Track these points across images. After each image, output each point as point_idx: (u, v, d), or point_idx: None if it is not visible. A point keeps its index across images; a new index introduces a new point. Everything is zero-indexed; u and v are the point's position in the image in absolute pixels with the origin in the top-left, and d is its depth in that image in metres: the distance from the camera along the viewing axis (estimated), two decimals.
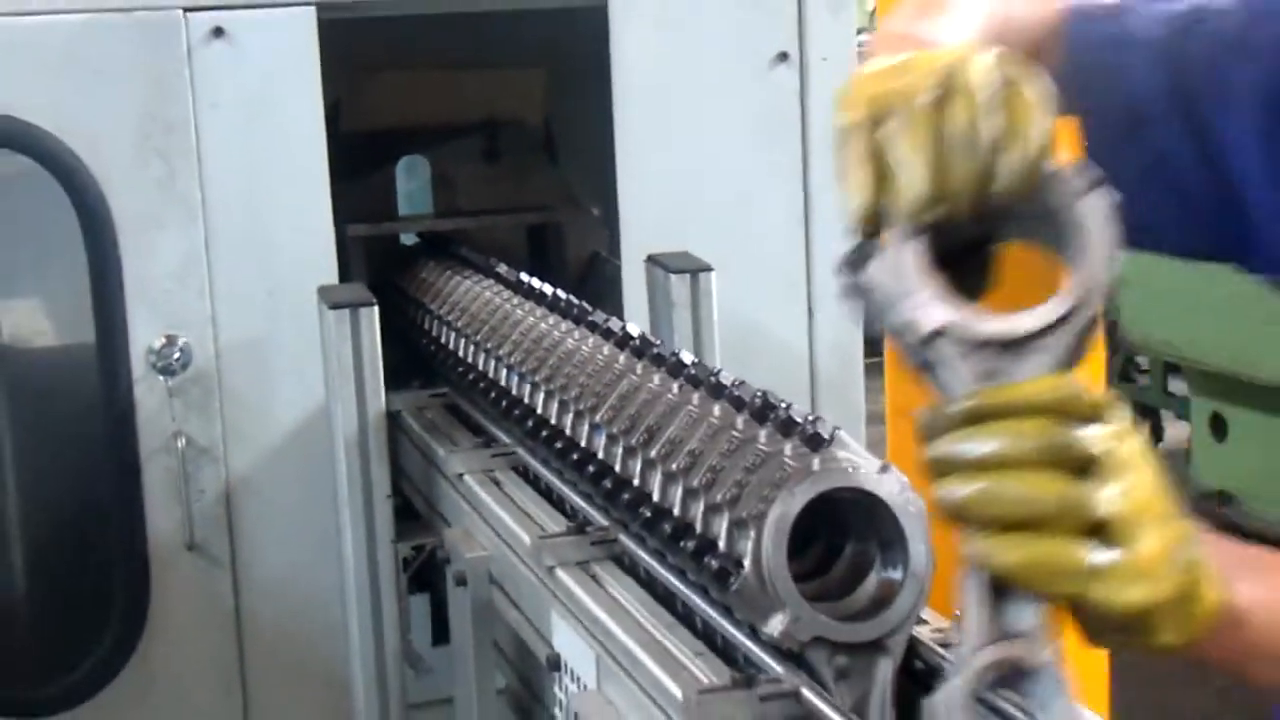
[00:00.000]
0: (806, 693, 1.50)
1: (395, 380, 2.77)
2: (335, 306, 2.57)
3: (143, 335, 2.80)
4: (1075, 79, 1.43)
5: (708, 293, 2.71)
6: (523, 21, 3.18)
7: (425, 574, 2.78)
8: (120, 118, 2.75)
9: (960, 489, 1.11)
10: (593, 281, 3.26)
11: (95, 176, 2.74)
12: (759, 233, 3.05)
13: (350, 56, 2.96)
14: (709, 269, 2.72)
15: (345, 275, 2.95)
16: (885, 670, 1.54)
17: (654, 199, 3.01)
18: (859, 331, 3.13)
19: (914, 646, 1.57)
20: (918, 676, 1.57)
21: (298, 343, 2.79)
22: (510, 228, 3.37)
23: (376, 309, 2.59)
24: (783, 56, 3.01)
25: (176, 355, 2.81)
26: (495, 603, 2.27)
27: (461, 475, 2.42)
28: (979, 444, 1.11)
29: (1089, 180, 1.15)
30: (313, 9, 2.82)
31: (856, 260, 1.18)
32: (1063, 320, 1.13)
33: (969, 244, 1.20)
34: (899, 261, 1.15)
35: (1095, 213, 1.14)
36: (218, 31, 2.78)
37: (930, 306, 1.14)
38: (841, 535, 1.60)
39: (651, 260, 2.80)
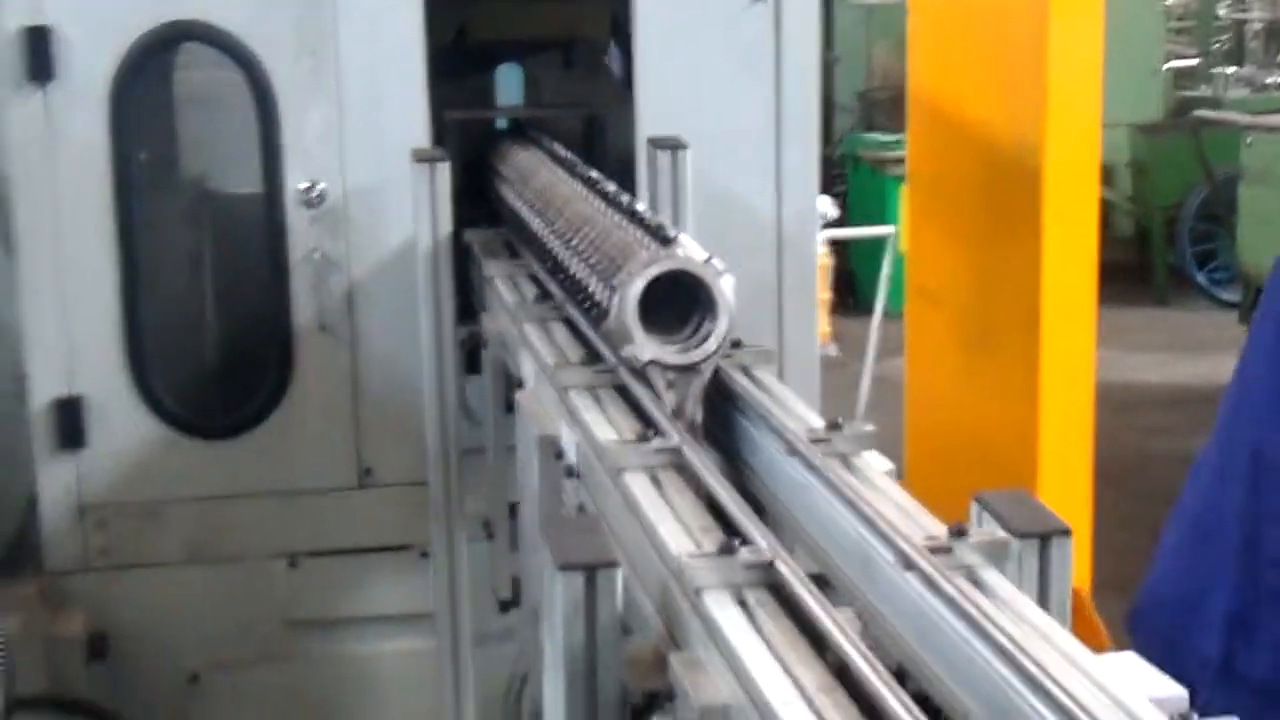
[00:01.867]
0: (622, 371, 2.55)
1: (474, 223, 3.76)
2: (420, 161, 3.51)
3: (293, 180, 3.77)
4: None
5: (684, 165, 3.57)
6: None
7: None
8: (283, 26, 3.73)
9: None
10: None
11: (265, 68, 3.73)
12: (742, 127, 3.93)
13: None
14: (685, 146, 3.58)
15: (439, 145, 3.84)
16: (698, 384, 2.41)
17: (663, 102, 3.88)
18: (815, 202, 4.08)
19: (718, 373, 2.48)
20: (722, 390, 2.48)
21: (399, 188, 3.67)
22: (573, 119, 4.25)
23: (449, 164, 3.49)
24: None
25: (316, 195, 3.76)
26: (502, 359, 3.29)
27: (493, 278, 3.41)
28: None
29: None
30: None
31: None
32: None
33: None
34: None
35: None
36: None
37: None
38: (690, 301, 2.47)
39: (650, 141, 3.71)
